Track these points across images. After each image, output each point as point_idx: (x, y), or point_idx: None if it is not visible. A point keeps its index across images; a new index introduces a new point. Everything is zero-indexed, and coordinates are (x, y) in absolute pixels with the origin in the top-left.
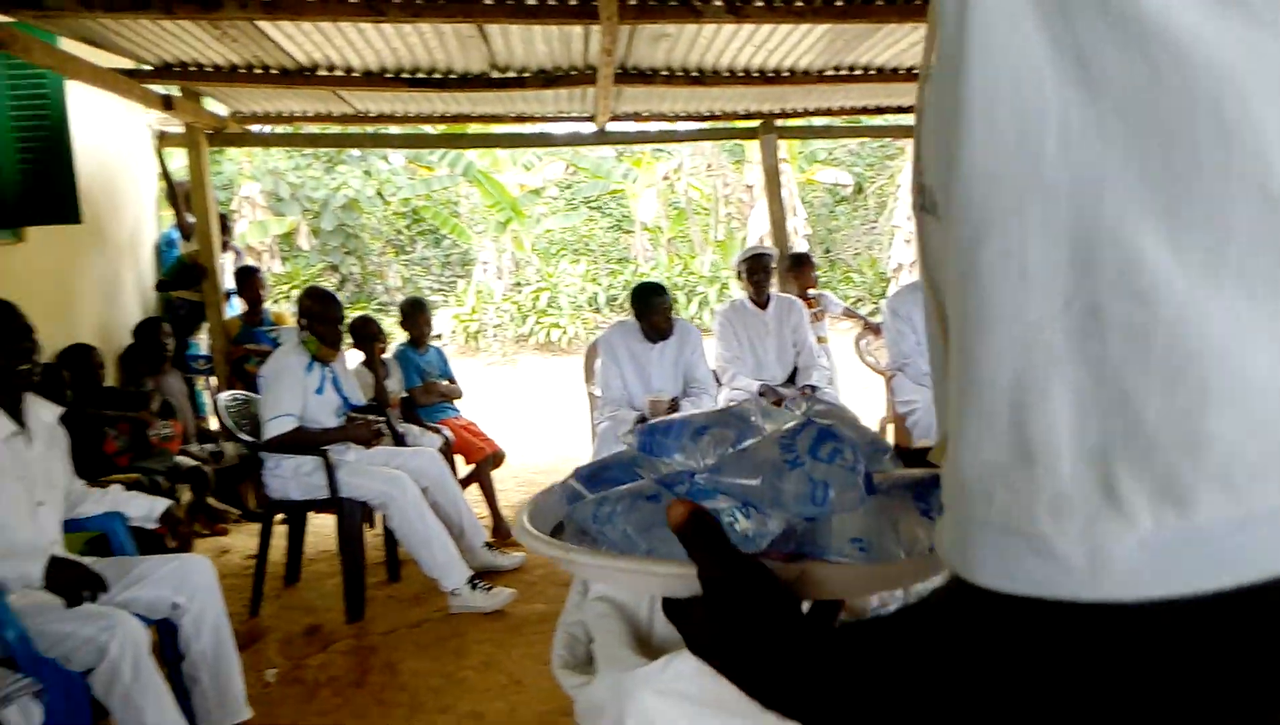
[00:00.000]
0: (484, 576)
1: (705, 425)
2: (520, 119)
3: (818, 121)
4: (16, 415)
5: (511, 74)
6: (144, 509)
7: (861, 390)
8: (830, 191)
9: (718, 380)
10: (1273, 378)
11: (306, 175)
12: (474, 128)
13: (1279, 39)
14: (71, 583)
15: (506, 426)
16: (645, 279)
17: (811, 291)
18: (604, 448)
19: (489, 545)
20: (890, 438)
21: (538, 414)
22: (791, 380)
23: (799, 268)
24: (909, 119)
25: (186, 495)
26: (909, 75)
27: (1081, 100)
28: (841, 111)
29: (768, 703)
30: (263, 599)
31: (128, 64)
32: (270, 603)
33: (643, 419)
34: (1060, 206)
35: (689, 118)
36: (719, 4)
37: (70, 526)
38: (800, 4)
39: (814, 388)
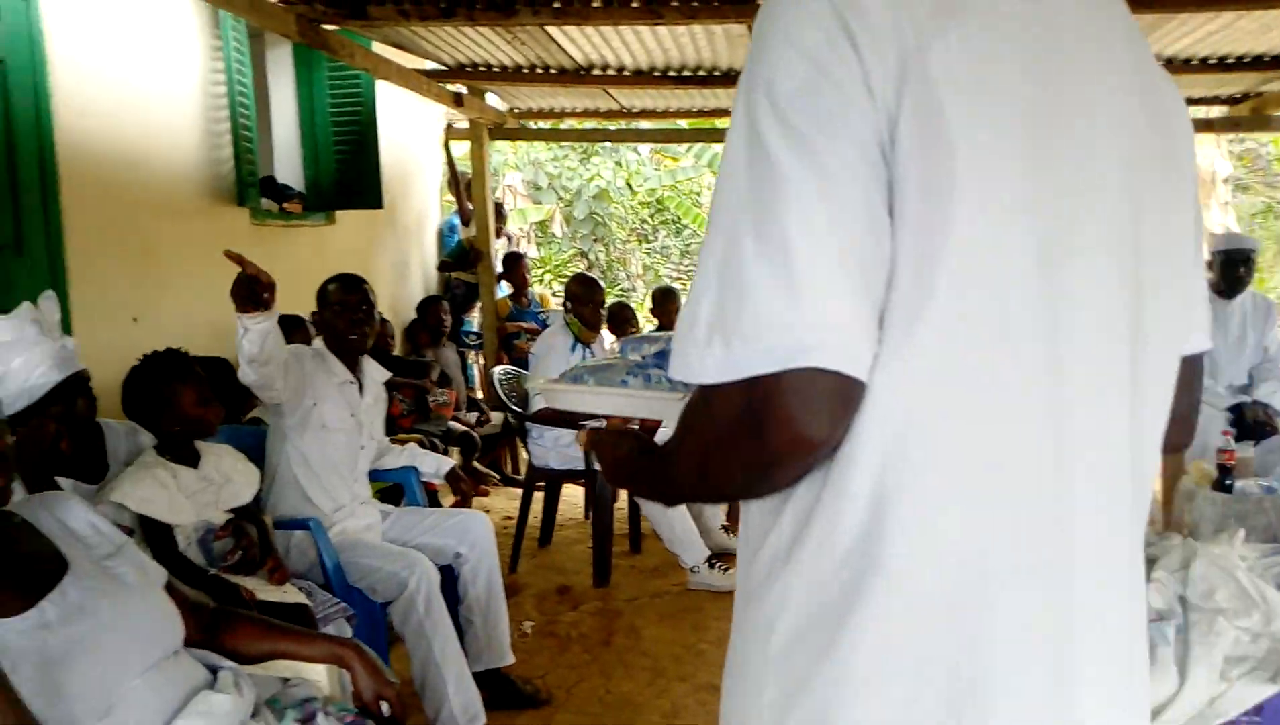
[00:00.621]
0: (720, 558)
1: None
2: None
3: None
4: (352, 369)
5: (687, 72)
6: (433, 466)
7: None
8: None
9: None
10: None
11: (564, 166)
12: (723, 122)
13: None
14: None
15: None
16: None
17: None
18: None
19: (725, 528)
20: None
21: None
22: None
23: None
24: (1200, 111)
25: (456, 457)
26: (1201, 66)
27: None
28: None
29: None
30: (520, 557)
31: (427, 65)
32: (526, 561)
33: None
34: None
35: None
36: None
37: (372, 476)
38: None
39: (1266, 406)
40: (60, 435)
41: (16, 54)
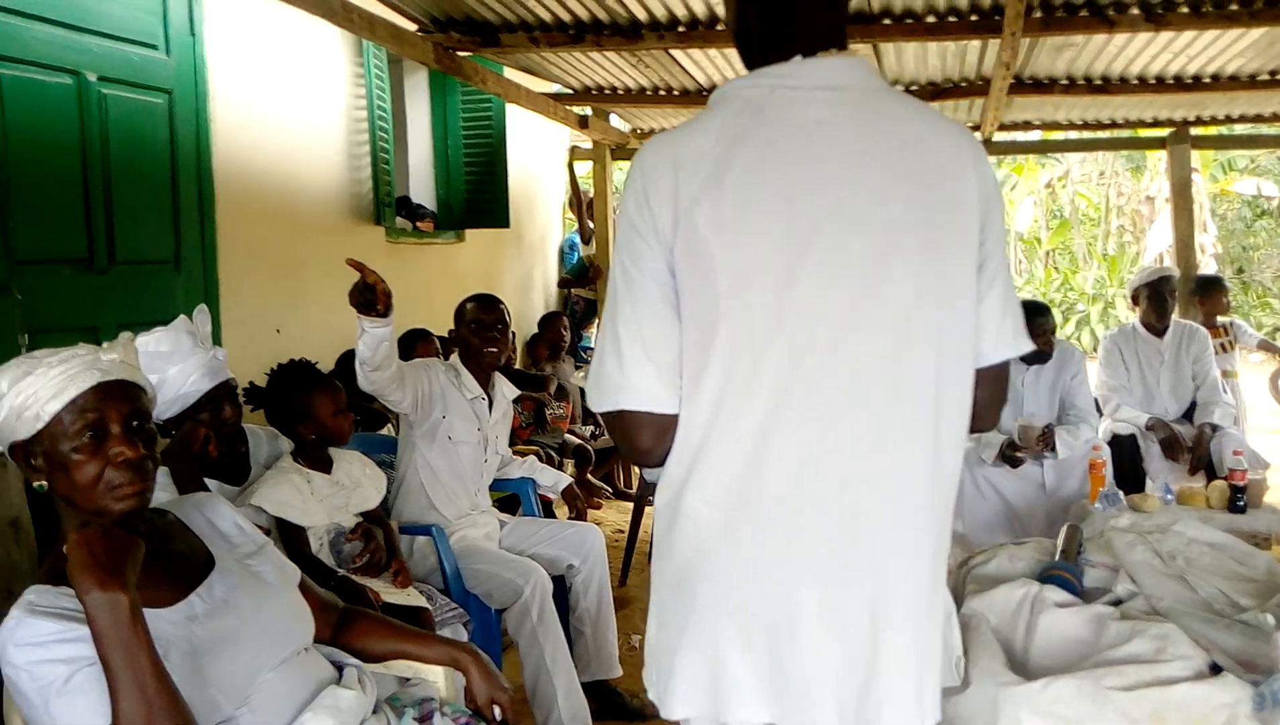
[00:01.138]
0: None
1: None
2: None
3: (1241, 129)
4: (483, 385)
5: (899, 87)
6: (551, 480)
7: (1272, 433)
8: (1250, 204)
9: (1099, 408)
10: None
11: None
12: None
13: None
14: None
15: None
16: (1023, 295)
17: (1221, 319)
18: (966, 469)
19: None
20: None
21: None
22: (1188, 416)
23: (1208, 292)
24: None
25: (571, 469)
26: None
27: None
28: (1274, 119)
29: None
30: (630, 571)
31: (554, 88)
32: (635, 574)
33: (1012, 444)
34: None
35: (1085, 126)
36: (1136, 13)
37: (492, 485)
38: (1235, 7)
39: (1215, 426)
40: (208, 440)
41: (183, 85)
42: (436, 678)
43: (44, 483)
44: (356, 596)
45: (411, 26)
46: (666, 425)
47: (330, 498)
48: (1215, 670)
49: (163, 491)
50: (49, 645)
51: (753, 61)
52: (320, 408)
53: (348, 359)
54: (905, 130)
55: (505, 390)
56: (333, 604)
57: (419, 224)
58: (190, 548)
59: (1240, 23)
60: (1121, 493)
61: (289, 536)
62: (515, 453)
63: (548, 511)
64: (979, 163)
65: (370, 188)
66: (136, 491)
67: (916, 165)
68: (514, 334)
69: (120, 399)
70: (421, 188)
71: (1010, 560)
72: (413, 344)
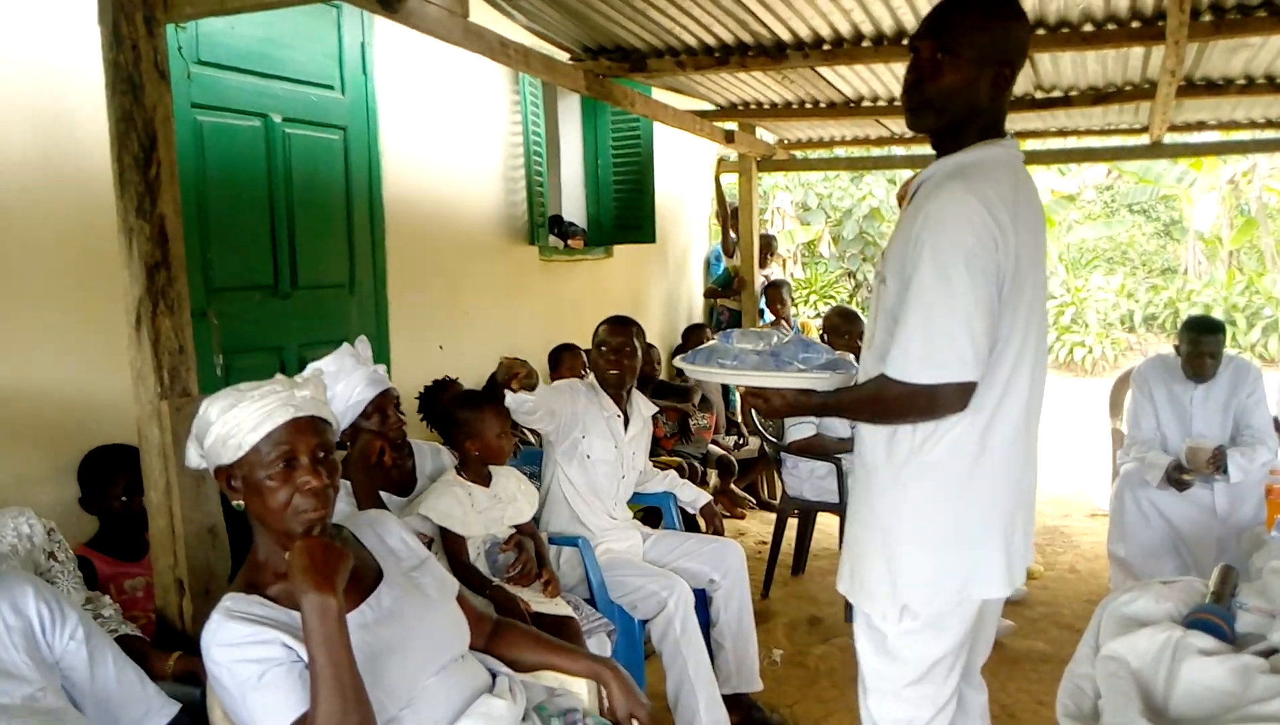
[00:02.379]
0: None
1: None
2: (1062, 132)
3: None
4: (619, 403)
5: (1057, 93)
6: (691, 496)
7: None
8: None
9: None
10: None
11: (834, 186)
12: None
13: None
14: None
15: None
16: (1196, 299)
17: None
18: (1128, 491)
19: None
20: None
21: (1050, 440)
22: None
23: None
24: None
25: (715, 479)
26: None
27: None
28: None
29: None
30: (772, 584)
31: (700, 105)
32: (779, 588)
33: (1179, 467)
34: None
35: (1268, 125)
36: None
37: (634, 498)
38: None
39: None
40: (383, 450)
41: (356, 121)
42: (580, 689)
43: (241, 502)
44: (508, 605)
45: (564, 56)
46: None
47: (488, 510)
48: None
49: (342, 502)
50: (244, 646)
51: (962, 132)
52: (488, 428)
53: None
54: (1034, 184)
55: (643, 408)
56: (487, 615)
57: (570, 241)
58: (362, 561)
59: None
60: None
61: (450, 545)
62: (659, 464)
63: (690, 525)
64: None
65: (525, 210)
66: (319, 516)
67: (1040, 207)
68: (650, 345)
69: (310, 433)
70: (573, 206)
71: (1157, 600)
72: (560, 357)
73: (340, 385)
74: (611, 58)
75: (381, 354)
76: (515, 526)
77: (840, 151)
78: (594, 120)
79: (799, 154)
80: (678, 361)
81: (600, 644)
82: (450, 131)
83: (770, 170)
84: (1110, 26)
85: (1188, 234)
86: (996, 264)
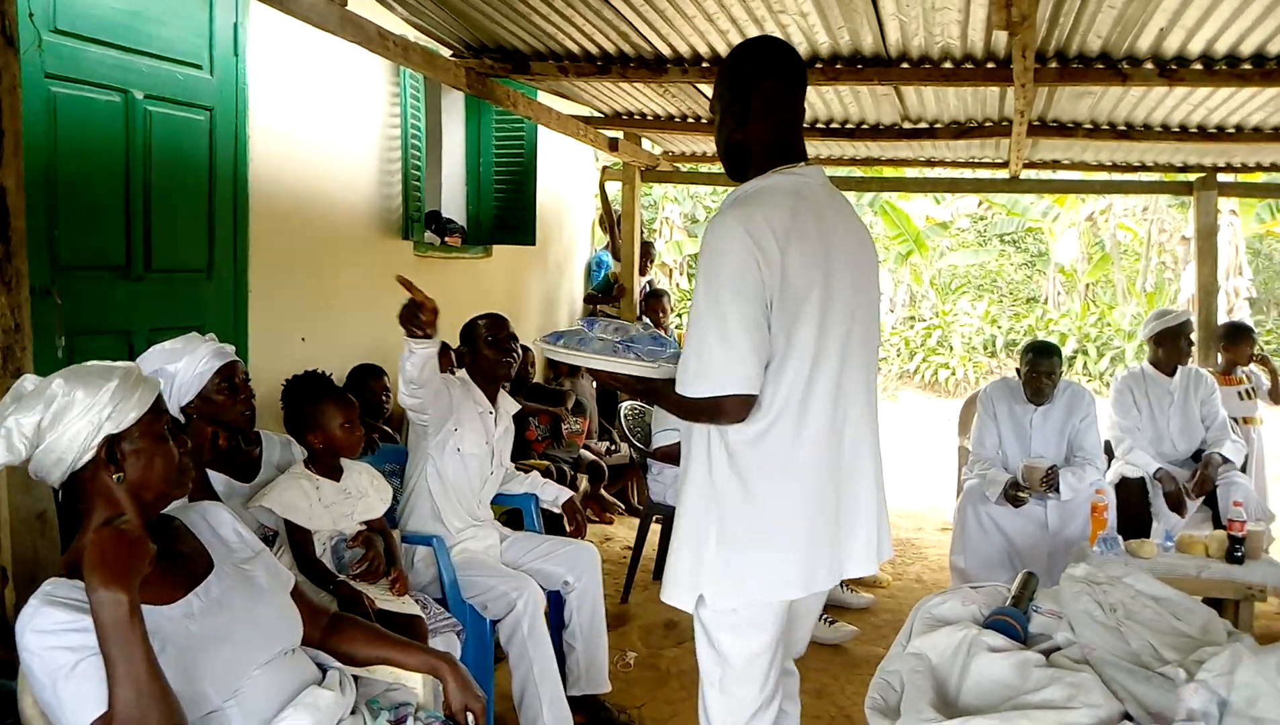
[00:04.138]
0: (830, 609)
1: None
2: (930, 163)
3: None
4: (491, 400)
5: (923, 125)
6: (553, 495)
7: None
8: None
9: (1109, 450)
10: None
11: (721, 199)
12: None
13: None
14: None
15: None
16: (1053, 328)
17: (1243, 369)
18: (969, 505)
19: (842, 583)
20: None
21: (910, 456)
22: (1196, 457)
23: (1234, 340)
24: None
25: (584, 484)
26: None
27: None
28: None
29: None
30: (633, 588)
31: (587, 112)
32: (639, 592)
33: (1016, 483)
34: None
35: (1114, 168)
36: (1149, 68)
37: (496, 499)
38: (1247, 67)
39: (1225, 458)
40: (216, 436)
41: (224, 102)
42: (416, 684)
43: (121, 474)
44: (352, 601)
45: (446, 52)
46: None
47: (336, 505)
48: (1129, 719)
49: None
50: (59, 633)
51: (747, 166)
52: (330, 419)
53: (361, 373)
54: (848, 206)
55: (507, 406)
56: (323, 609)
57: (447, 239)
58: (193, 551)
59: (1253, 81)
60: (1120, 538)
61: (295, 538)
62: (529, 466)
63: (555, 527)
64: (872, 239)
65: (400, 203)
66: (192, 478)
67: (861, 237)
68: (525, 347)
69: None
70: (453, 203)
71: (964, 603)
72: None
73: (184, 360)
74: (494, 57)
75: (239, 343)
76: (366, 523)
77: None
78: (478, 119)
79: (684, 166)
80: (536, 342)
81: (449, 643)
82: (325, 120)
83: (654, 180)
84: (968, 66)
85: (1050, 266)
86: (761, 283)
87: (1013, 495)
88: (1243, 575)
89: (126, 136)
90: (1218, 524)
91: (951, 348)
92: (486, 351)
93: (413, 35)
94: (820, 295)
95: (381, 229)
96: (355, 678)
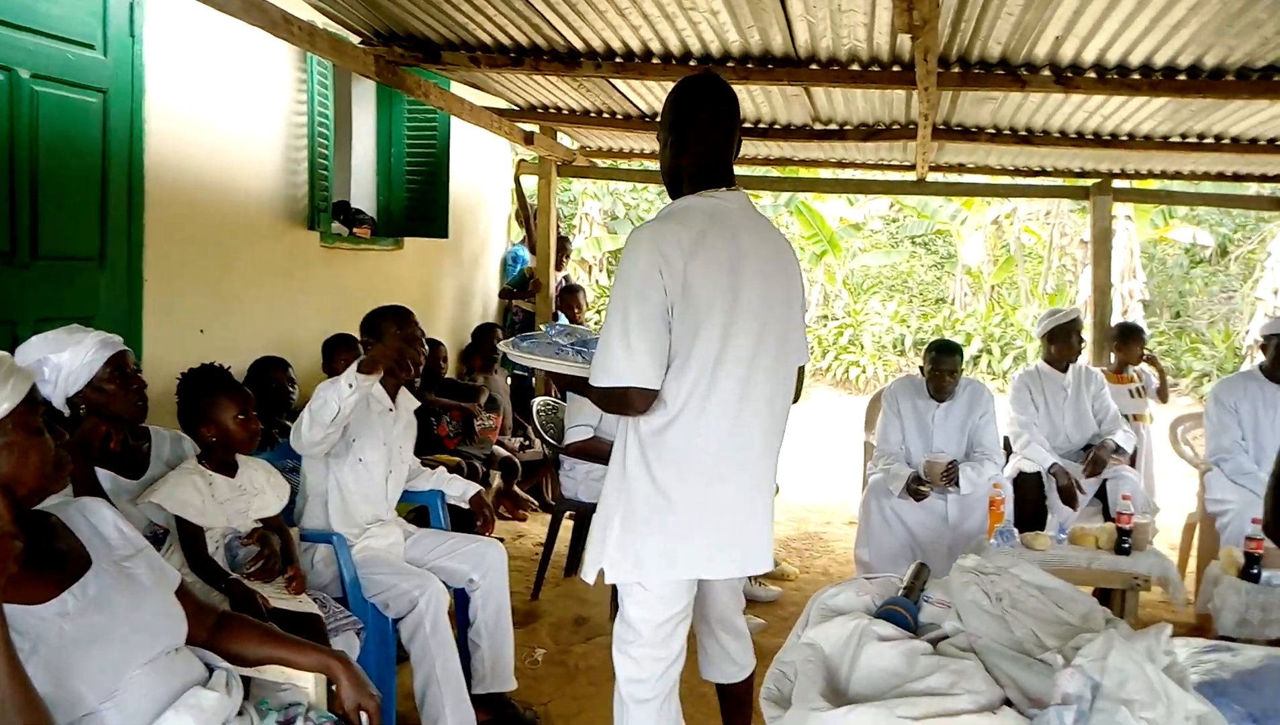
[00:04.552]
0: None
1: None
2: (841, 164)
3: (1172, 186)
4: (392, 396)
5: (833, 126)
6: (459, 490)
7: (1173, 478)
8: (1187, 252)
9: (1008, 447)
10: None
11: (641, 197)
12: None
13: None
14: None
15: (787, 460)
16: (960, 328)
17: (1134, 368)
18: (873, 499)
19: (751, 577)
20: (1196, 539)
21: (821, 452)
22: (1087, 449)
23: (1125, 340)
24: (1272, 188)
25: (497, 481)
26: (1268, 146)
27: None
28: (1192, 176)
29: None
30: (544, 584)
31: (501, 104)
32: (550, 589)
33: (918, 478)
34: None
35: (1016, 172)
36: (1046, 75)
37: (402, 497)
38: (1136, 77)
39: (1118, 446)
40: (109, 436)
41: (119, 84)
42: (308, 683)
43: None
44: (245, 600)
45: (355, 39)
46: (652, 396)
47: (231, 501)
48: (1010, 705)
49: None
50: None
51: (683, 188)
52: (224, 412)
53: (264, 365)
54: (769, 232)
55: (407, 402)
56: (210, 609)
57: (356, 230)
58: (70, 548)
59: (1142, 91)
60: (1017, 530)
61: (187, 535)
62: (437, 462)
63: (465, 523)
64: (796, 255)
65: (306, 192)
66: (69, 471)
67: (776, 254)
68: (437, 342)
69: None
70: (363, 194)
71: (858, 594)
72: (335, 349)
73: (69, 350)
74: (405, 46)
75: (133, 335)
76: (262, 521)
77: (640, 164)
78: (389, 108)
79: (602, 162)
80: (502, 345)
81: (348, 642)
82: (227, 105)
83: (571, 175)
84: (874, 68)
85: (958, 267)
86: (663, 290)
87: (915, 489)
88: (1129, 566)
89: (11, 117)
90: (1108, 517)
91: (863, 346)
92: (396, 345)
93: (321, 21)
94: (725, 305)
95: (286, 218)
96: (245, 678)
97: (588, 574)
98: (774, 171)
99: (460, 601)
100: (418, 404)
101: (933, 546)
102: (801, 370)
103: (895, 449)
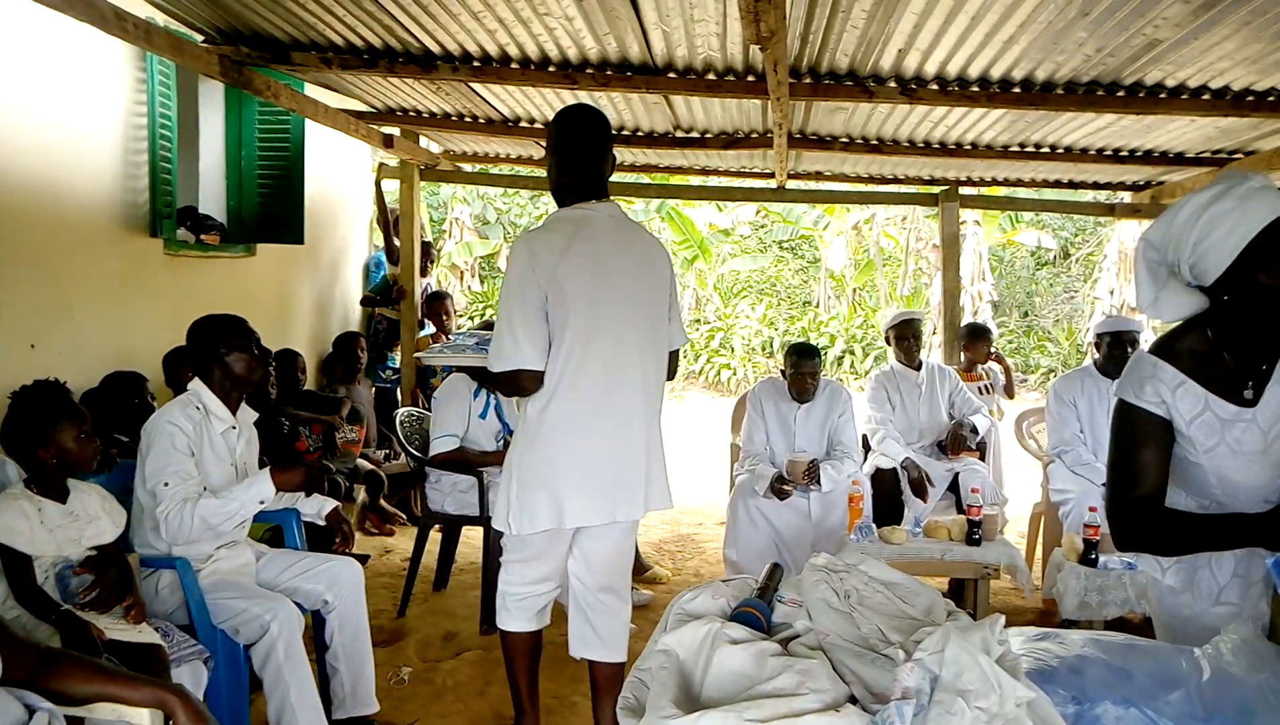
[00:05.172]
0: None
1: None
2: (705, 171)
3: (1015, 193)
4: (233, 412)
5: (694, 134)
6: (315, 507)
7: (1021, 471)
8: (1033, 254)
9: (866, 445)
10: None
11: (513, 201)
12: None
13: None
14: (304, 480)
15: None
16: (824, 330)
17: (982, 366)
18: (740, 500)
19: None
20: (1041, 528)
21: (693, 453)
22: (940, 447)
23: (973, 340)
24: (1103, 195)
25: (362, 496)
26: (1099, 156)
27: None
28: (1031, 183)
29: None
30: (411, 601)
31: (359, 106)
32: (417, 604)
33: (781, 477)
34: None
35: (870, 180)
36: (892, 86)
37: (255, 517)
38: (975, 89)
39: (974, 427)
40: None
41: None
42: (143, 720)
43: None
44: (77, 632)
45: (198, 38)
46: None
47: (62, 528)
48: (855, 702)
49: None
50: None
51: (564, 200)
52: (64, 433)
53: (118, 381)
54: (636, 235)
55: (245, 415)
56: (30, 645)
57: (204, 237)
58: None
59: (980, 102)
60: (875, 526)
61: (12, 565)
62: None
63: (325, 541)
64: (665, 255)
65: (148, 198)
66: None
67: (642, 254)
68: (295, 352)
69: None
70: (211, 199)
71: (713, 597)
72: (178, 363)
73: None
74: (251, 45)
75: None
76: (97, 548)
77: (511, 169)
78: (239, 110)
79: (468, 166)
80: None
81: (195, 672)
82: (57, 106)
83: (435, 180)
84: (729, 78)
85: (822, 271)
86: (537, 286)
87: (778, 488)
88: (980, 556)
89: None
90: (961, 510)
91: (733, 349)
92: (241, 359)
93: (160, 19)
94: (592, 298)
95: (125, 225)
96: (76, 718)
97: (499, 524)
98: (643, 178)
99: (318, 623)
100: (256, 415)
101: (797, 544)
102: (676, 352)
103: (760, 450)
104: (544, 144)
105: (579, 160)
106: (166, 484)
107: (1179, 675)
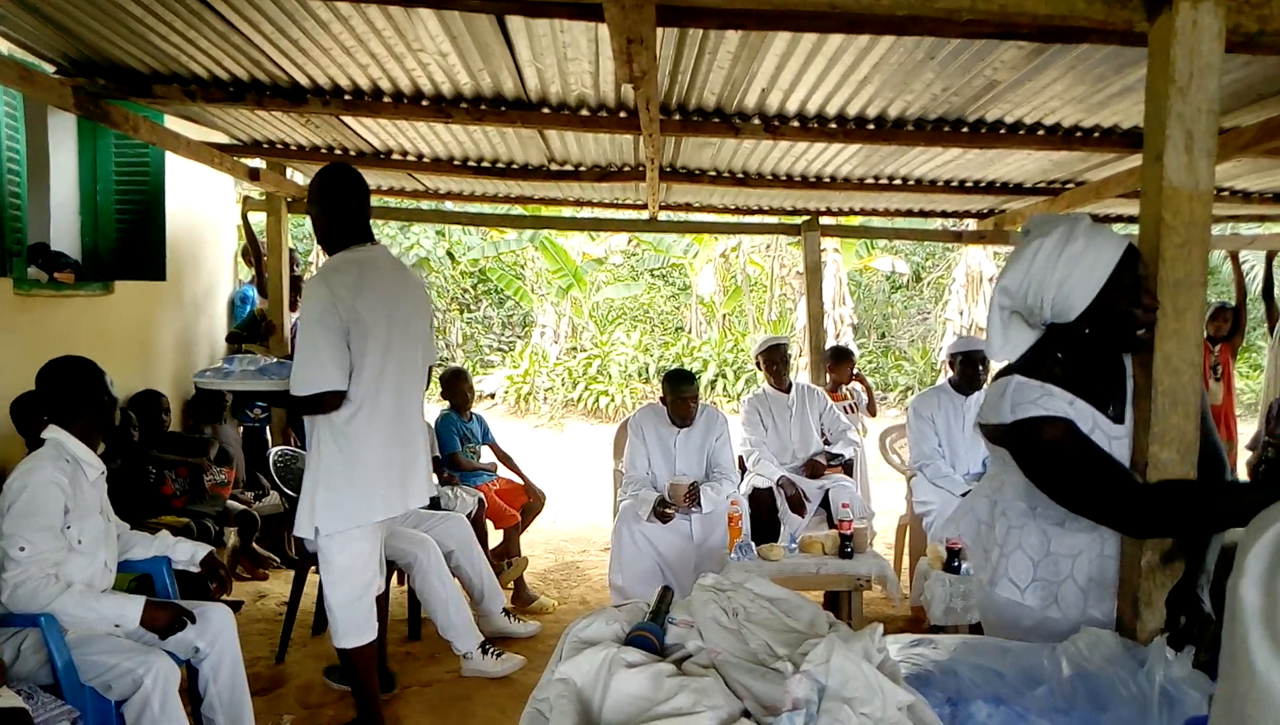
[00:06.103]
0: (497, 642)
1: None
2: (579, 203)
3: (871, 222)
4: (94, 450)
5: (569, 167)
6: (187, 554)
7: (886, 484)
8: (888, 279)
9: (743, 466)
10: None
11: (382, 233)
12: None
13: None
14: (169, 622)
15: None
16: (697, 355)
17: (846, 387)
18: (624, 525)
19: (507, 612)
20: (907, 538)
21: (575, 481)
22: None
23: (837, 362)
24: (951, 223)
25: (233, 539)
26: (946, 187)
27: None
28: (885, 213)
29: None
30: (290, 645)
31: (223, 139)
32: (296, 650)
33: (664, 501)
34: None
35: (737, 211)
36: (756, 123)
37: (120, 567)
38: (833, 126)
39: (831, 454)
40: None
41: None
42: None
43: None
44: None
45: (49, 68)
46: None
47: None
48: (749, 716)
49: None
50: None
51: (337, 245)
52: None
53: None
54: (407, 273)
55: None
56: None
57: (58, 275)
58: None
59: (838, 138)
60: (754, 544)
61: None
62: (164, 524)
63: (198, 588)
64: (421, 282)
65: None
66: None
67: (415, 289)
68: (159, 393)
69: None
70: (65, 235)
71: (607, 623)
72: (31, 409)
73: None
74: (108, 77)
75: None
76: None
77: (381, 200)
78: (93, 141)
79: None
80: (195, 378)
81: None
82: None
83: (303, 212)
84: (603, 114)
85: (693, 298)
86: (338, 317)
87: (661, 512)
88: (852, 568)
89: None
90: (832, 525)
91: (610, 376)
92: (95, 399)
93: (5, 47)
94: (385, 327)
95: None
96: None
97: (304, 530)
98: (518, 209)
99: (191, 674)
100: (101, 451)
101: (680, 565)
102: (431, 368)
103: (642, 475)
104: (416, 176)
105: (349, 210)
106: (23, 549)
107: (1042, 672)
